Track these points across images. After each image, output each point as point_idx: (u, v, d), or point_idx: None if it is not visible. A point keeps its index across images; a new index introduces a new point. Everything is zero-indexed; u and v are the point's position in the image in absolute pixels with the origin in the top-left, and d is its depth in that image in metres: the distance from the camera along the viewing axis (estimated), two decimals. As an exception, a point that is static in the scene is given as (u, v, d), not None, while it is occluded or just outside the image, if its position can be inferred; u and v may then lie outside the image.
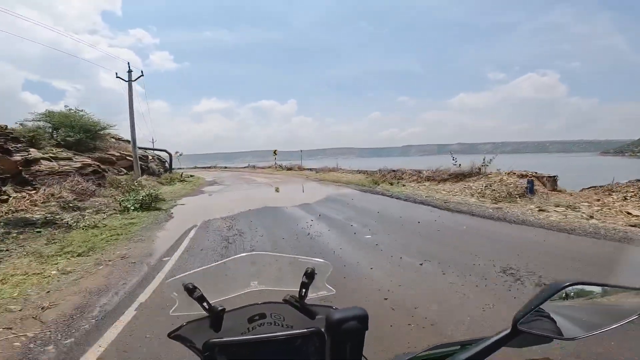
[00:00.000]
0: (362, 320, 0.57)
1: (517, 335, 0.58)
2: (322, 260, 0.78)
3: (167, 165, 34.52)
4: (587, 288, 0.64)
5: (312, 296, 0.77)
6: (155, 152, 34.53)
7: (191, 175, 34.25)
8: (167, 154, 34.90)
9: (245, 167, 52.55)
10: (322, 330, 0.65)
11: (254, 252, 0.83)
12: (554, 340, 0.61)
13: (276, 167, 41.51)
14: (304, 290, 0.75)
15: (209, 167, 67.79)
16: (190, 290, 0.69)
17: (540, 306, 0.58)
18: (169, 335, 0.70)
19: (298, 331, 0.67)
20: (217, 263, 0.80)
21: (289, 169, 35.91)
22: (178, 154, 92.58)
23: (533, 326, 0.58)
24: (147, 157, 26.81)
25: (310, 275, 0.74)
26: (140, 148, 31.46)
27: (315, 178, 22.77)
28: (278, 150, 42.72)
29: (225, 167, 61.36)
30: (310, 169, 32.44)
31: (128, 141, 31.39)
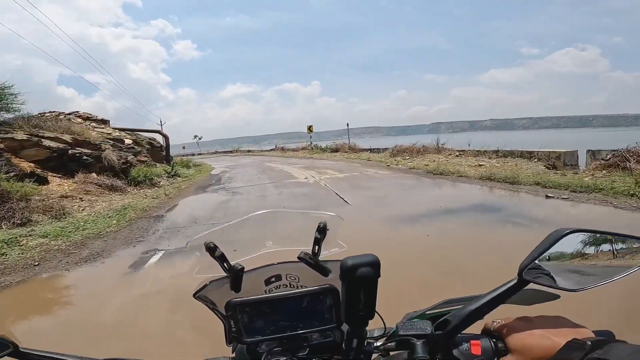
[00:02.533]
0: (375, 267, 0.57)
1: (524, 286, 0.57)
2: (332, 213, 0.77)
3: (163, 152, 24.43)
4: (591, 235, 0.60)
5: (324, 253, 0.75)
6: (144, 134, 24.43)
7: (196, 165, 23.99)
8: (162, 137, 24.73)
9: (272, 150, 41.92)
10: (334, 286, 0.67)
11: (270, 210, 0.84)
12: (559, 297, 0.60)
13: (312, 148, 30.52)
14: (317, 246, 0.73)
15: (230, 152, 57.92)
16: (212, 249, 0.67)
17: (544, 261, 0.57)
18: (194, 295, 0.69)
19: (313, 288, 0.68)
20: (234, 221, 0.79)
21: (335, 150, 24.73)
22: (197, 139, 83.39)
23: (538, 279, 0.56)
24: (114, 141, 16.46)
25: (322, 231, 0.72)
26: (116, 129, 21.60)
27: (414, 169, 11.49)
28: (304, 131, 31.49)
29: (249, 151, 50.97)
30: (369, 149, 21.18)
31: (103, 121, 21.59)
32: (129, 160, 15.26)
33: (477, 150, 12.63)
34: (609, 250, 0.62)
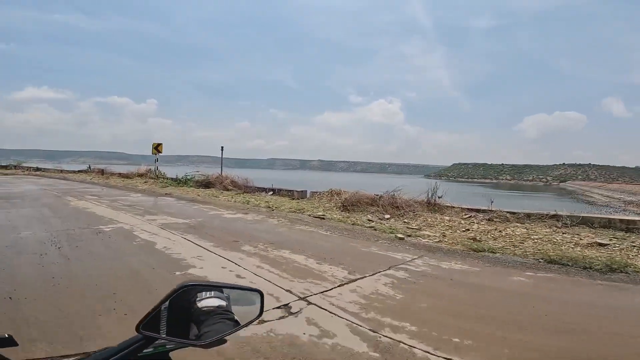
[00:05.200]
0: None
1: (154, 341, 0.54)
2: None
3: None
4: (207, 288, 0.62)
5: None
6: None
7: None
8: None
9: (82, 171, 27.90)
10: None
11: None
12: (188, 345, 0.58)
13: (158, 177, 20.32)
14: None
15: (4, 167, 37.48)
16: None
17: (170, 315, 0.56)
18: None
19: None
20: None
21: (206, 184, 15.84)
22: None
23: (167, 331, 0.55)
24: None
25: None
26: None
27: (484, 255, 4.97)
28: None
29: (39, 169, 33.51)
30: (271, 190, 13.62)
31: None
32: None
33: (528, 214, 7.52)
34: (228, 302, 0.63)
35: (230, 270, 3.88)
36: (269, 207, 9.89)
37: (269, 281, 3.57)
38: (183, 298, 0.58)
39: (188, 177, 18.43)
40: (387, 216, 8.35)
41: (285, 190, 13.39)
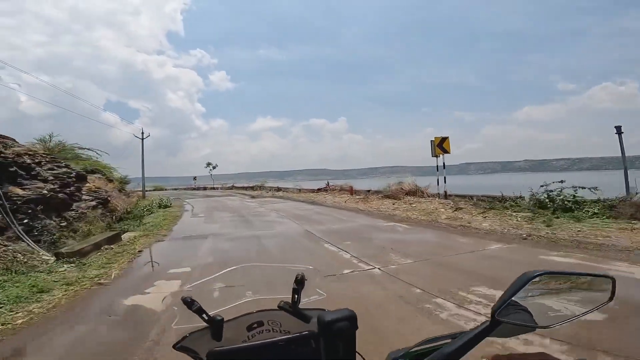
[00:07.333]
0: (352, 321, 0.60)
1: (497, 326, 0.59)
2: (310, 267, 0.78)
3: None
4: (557, 277, 0.64)
5: (304, 301, 0.76)
6: None
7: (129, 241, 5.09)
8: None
9: (322, 190, 23.09)
10: (316, 332, 0.66)
11: (245, 264, 0.84)
12: (535, 329, 0.62)
13: (445, 196, 11.30)
14: (296, 296, 0.75)
15: (251, 188, 39.55)
16: (189, 303, 0.68)
17: (517, 297, 0.59)
18: (174, 346, 0.70)
19: (294, 335, 0.68)
20: (211, 277, 0.79)
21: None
22: (210, 167, 65.41)
23: (511, 317, 0.59)
24: None
25: (300, 282, 0.74)
26: None
27: None
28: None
29: (279, 189, 32.14)
30: None
31: None
32: None
33: None
34: (576, 288, 0.65)
35: None
36: None
37: None
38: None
39: (551, 194, 8.40)
40: None
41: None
